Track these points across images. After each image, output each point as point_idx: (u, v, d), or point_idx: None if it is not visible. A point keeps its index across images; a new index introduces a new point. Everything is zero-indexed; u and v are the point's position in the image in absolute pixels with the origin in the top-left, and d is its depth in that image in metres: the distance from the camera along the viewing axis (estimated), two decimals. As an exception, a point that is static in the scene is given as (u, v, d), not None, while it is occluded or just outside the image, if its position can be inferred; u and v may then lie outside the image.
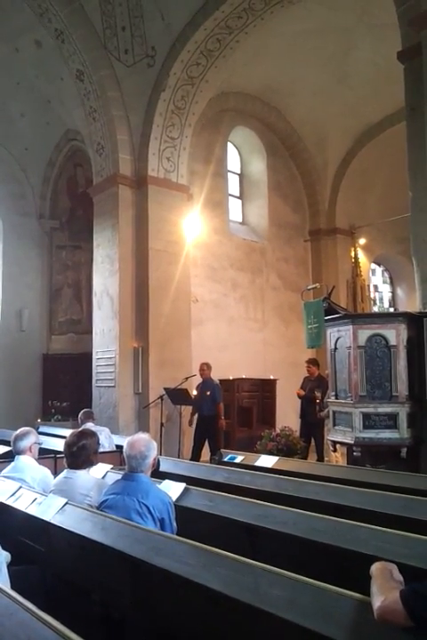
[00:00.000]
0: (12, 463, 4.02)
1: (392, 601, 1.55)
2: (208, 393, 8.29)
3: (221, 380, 8.79)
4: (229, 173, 11.77)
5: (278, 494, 3.61)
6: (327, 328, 6.13)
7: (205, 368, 8.52)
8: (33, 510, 3.13)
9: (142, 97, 9.01)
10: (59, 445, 5.86)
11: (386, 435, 5.52)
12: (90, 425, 6.11)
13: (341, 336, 5.93)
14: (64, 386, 10.84)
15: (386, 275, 14.91)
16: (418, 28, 5.86)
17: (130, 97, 9.02)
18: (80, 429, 3.75)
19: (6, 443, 5.33)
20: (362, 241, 12.03)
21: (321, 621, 1.70)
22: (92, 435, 3.62)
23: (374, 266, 14.30)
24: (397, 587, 1.63)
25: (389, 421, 5.54)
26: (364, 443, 5.55)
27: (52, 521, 2.93)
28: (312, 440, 7.95)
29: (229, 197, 11.71)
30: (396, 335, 5.62)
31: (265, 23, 8.24)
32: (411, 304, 9.93)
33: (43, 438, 4.79)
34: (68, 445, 3.48)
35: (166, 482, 3.62)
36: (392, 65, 6.56)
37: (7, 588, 1.94)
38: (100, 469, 4.02)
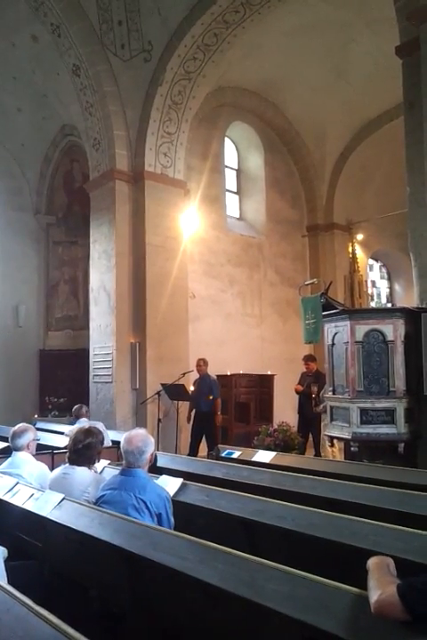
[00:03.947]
0: (9, 459, 4.02)
1: (389, 595, 1.56)
2: (210, 397, 8.27)
3: (218, 376, 8.79)
4: (226, 169, 11.74)
5: (276, 489, 3.61)
6: (325, 323, 6.14)
7: (201, 364, 8.52)
8: (30, 506, 3.13)
9: (139, 92, 8.98)
10: (56, 441, 5.88)
11: (383, 430, 5.53)
12: (83, 420, 6.14)
13: (338, 331, 5.93)
14: (61, 382, 10.83)
15: (384, 270, 14.92)
16: (416, 22, 5.85)
17: (126, 92, 8.98)
18: (87, 427, 3.70)
19: (3, 439, 5.34)
20: (360, 236, 12.04)
21: (319, 615, 1.71)
22: (99, 434, 3.60)
23: (371, 261, 14.30)
24: (394, 581, 1.64)
25: (386, 417, 5.54)
26: (361, 438, 5.56)
27: (49, 516, 2.93)
28: (310, 435, 7.97)
29: (227, 193, 11.68)
30: (393, 330, 5.63)
31: (262, 18, 8.21)
32: (408, 299, 9.93)
33: (40, 434, 4.78)
34: (73, 442, 3.46)
35: (164, 477, 3.62)
36: (391, 60, 6.55)
37: (4, 583, 1.94)
38: (97, 465, 4.01)
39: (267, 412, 9.68)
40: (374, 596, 1.60)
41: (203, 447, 8.27)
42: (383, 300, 14.66)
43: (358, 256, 11.71)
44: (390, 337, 5.62)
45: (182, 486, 3.53)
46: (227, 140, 11.83)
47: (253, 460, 4.78)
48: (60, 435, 6.37)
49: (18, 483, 3.47)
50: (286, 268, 12.17)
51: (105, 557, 2.59)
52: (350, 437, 5.62)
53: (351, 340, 5.67)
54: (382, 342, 5.65)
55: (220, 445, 5.71)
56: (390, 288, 14.94)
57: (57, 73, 9.39)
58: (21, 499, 3.24)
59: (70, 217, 11.65)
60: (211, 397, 8.29)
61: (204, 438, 8.32)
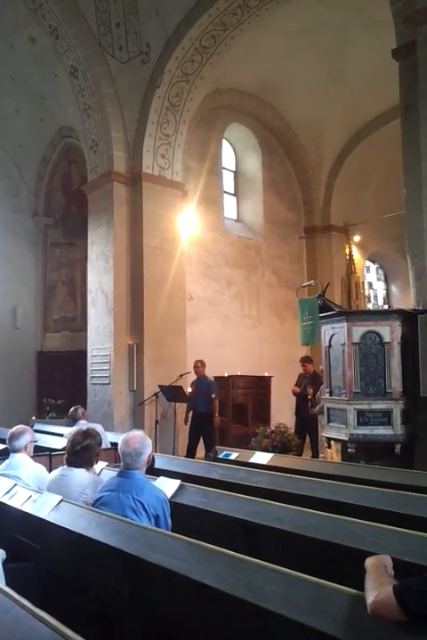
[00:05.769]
0: (7, 461, 4.01)
1: (385, 596, 1.57)
2: (205, 398, 8.28)
3: (215, 378, 8.78)
4: (223, 170, 11.76)
5: (273, 491, 3.62)
6: (322, 325, 6.15)
7: (199, 365, 8.52)
8: (28, 508, 3.13)
9: (137, 94, 8.99)
10: (54, 443, 5.88)
11: (380, 431, 5.55)
12: (82, 422, 6.13)
13: (335, 333, 5.94)
14: (59, 383, 10.80)
15: (380, 272, 14.95)
16: (413, 25, 5.87)
17: (124, 94, 8.99)
18: (85, 428, 3.71)
19: (1, 440, 5.33)
20: (357, 238, 12.07)
21: (316, 616, 1.71)
22: (97, 435, 3.61)
23: (368, 263, 14.34)
24: (390, 581, 1.65)
25: (383, 418, 5.56)
26: (358, 439, 5.57)
27: (47, 518, 2.93)
28: (307, 437, 7.97)
29: (224, 194, 11.70)
30: (390, 332, 5.65)
31: (260, 20, 8.23)
32: (405, 301, 9.96)
33: (37, 436, 4.79)
34: (72, 444, 3.47)
35: (161, 479, 3.63)
36: (388, 62, 6.56)
37: (3, 585, 1.95)
38: (95, 467, 4.01)
39: (264, 413, 9.68)
40: (370, 596, 1.61)
41: (200, 449, 8.26)
42: (380, 302, 14.70)
43: (354, 258, 11.75)
44: (386, 338, 5.64)
45: (180, 488, 3.53)
46: (224, 141, 11.84)
47: (251, 461, 4.78)
48: (57, 436, 6.36)
49: (16, 484, 3.47)
50: (283, 270, 12.19)
51: (103, 559, 2.59)
52: (346, 439, 5.63)
53: (348, 342, 5.69)
54: (379, 344, 5.67)
55: (217, 447, 5.70)
56: (387, 290, 14.98)
57: (55, 74, 9.39)
58: (19, 500, 3.24)
59: (68, 218, 11.64)
60: (211, 396, 8.27)
61: (201, 440, 8.32)
